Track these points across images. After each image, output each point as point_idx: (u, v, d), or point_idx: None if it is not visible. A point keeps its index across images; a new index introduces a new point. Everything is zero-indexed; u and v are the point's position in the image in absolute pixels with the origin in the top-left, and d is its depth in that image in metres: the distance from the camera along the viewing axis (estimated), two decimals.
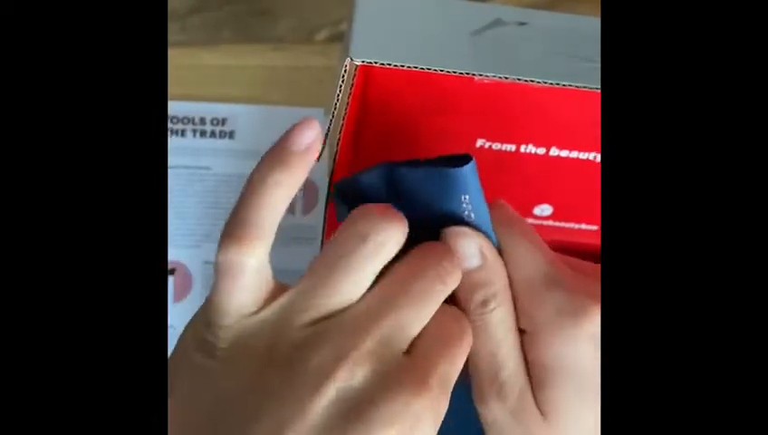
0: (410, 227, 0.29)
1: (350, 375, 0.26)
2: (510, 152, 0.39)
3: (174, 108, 0.54)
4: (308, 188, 0.55)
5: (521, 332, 0.32)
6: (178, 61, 0.54)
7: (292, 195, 0.29)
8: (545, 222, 0.45)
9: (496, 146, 0.39)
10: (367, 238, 0.28)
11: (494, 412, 0.31)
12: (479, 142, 0.39)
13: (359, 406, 0.26)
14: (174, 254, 0.54)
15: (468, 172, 0.31)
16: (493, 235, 0.32)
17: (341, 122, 0.35)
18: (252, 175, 0.29)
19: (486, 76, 0.33)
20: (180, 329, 0.53)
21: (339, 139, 0.35)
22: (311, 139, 0.29)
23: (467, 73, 0.33)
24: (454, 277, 0.30)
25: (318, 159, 0.37)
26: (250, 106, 0.55)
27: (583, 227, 0.45)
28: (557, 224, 0.45)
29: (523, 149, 0.39)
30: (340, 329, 0.27)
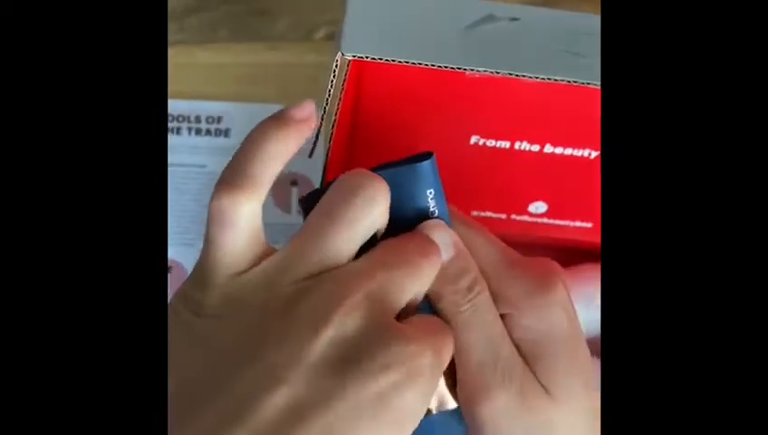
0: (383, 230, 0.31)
1: (344, 320, 0.26)
2: (504, 149, 0.39)
3: (170, 106, 0.54)
4: (303, 185, 0.55)
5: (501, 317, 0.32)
6: (174, 59, 0.54)
7: (288, 156, 0.30)
8: (540, 219, 0.45)
9: (491, 143, 0.39)
10: (357, 192, 0.28)
11: (500, 401, 0.31)
12: (473, 139, 0.39)
13: (354, 351, 0.26)
14: (170, 252, 0.54)
15: (431, 166, 0.32)
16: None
17: (334, 118, 0.35)
18: (251, 131, 0.30)
19: (478, 71, 0.33)
20: None
21: (332, 134, 0.36)
22: (309, 112, 0.30)
23: (459, 68, 0.33)
24: (435, 265, 0.30)
25: (310, 155, 0.37)
26: (245, 104, 0.55)
27: (578, 224, 0.45)
28: (552, 221, 0.45)
29: (517, 145, 0.39)
30: (334, 280, 0.27)
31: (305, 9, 0.57)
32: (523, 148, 0.39)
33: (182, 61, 0.55)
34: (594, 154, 0.39)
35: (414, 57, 0.33)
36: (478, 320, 0.31)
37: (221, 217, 0.28)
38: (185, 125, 0.55)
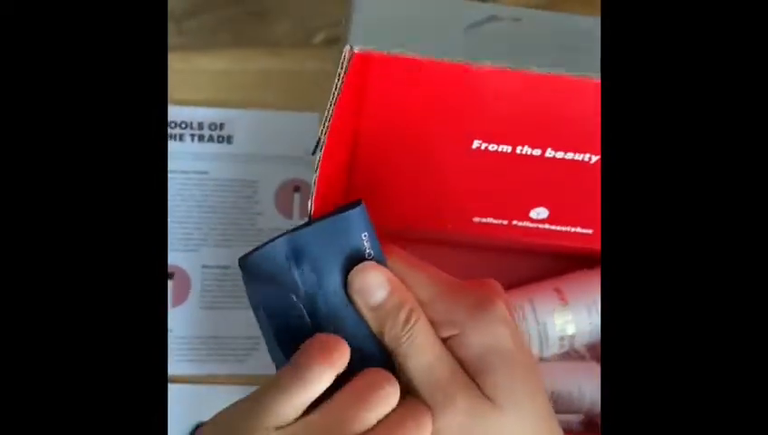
0: (319, 281, 0.34)
1: None
2: (506, 153, 0.39)
3: (172, 113, 0.54)
4: (305, 191, 0.55)
5: (445, 340, 0.35)
6: (176, 65, 0.55)
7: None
8: (541, 225, 0.45)
9: (492, 147, 0.39)
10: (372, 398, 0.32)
11: (448, 419, 0.33)
12: (475, 144, 0.39)
13: None
14: (172, 258, 0.54)
15: (361, 212, 0.35)
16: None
17: (332, 108, 0.35)
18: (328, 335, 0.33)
19: (483, 64, 0.34)
20: (178, 333, 0.54)
21: (327, 127, 0.36)
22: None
23: (464, 61, 0.34)
24: (388, 393, 0.32)
25: (313, 153, 0.38)
26: (247, 111, 0.55)
27: (578, 230, 0.45)
28: (553, 227, 0.45)
29: (518, 150, 0.39)
30: None
31: (305, 12, 0.57)
32: (524, 152, 0.39)
33: (183, 67, 0.55)
34: (594, 159, 0.39)
35: (420, 51, 0.34)
36: (417, 348, 0.34)
37: (311, 379, 0.31)
38: (187, 132, 0.55)
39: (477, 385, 0.33)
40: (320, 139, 0.36)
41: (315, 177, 0.37)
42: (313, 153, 0.38)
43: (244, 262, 0.35)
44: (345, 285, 0.35)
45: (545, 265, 0.54)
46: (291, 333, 0.35)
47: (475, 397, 0.33)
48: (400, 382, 0.33)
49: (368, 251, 0.35)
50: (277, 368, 0.38)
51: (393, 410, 0.32)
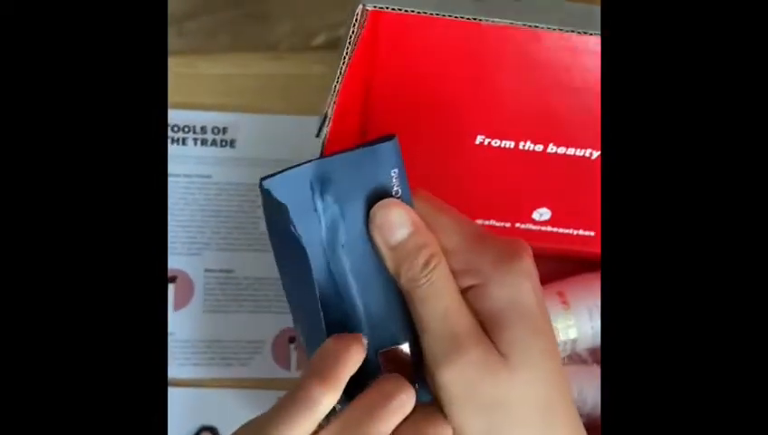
0: (342, 212, 0.33)
1: None
2: (509, 149, 0.39)
3: (175, 116, 0.55)
4: None
5: (465, 291, 0.33)
6: (178, 69, 0.55)
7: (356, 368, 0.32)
8: (544, 227, 0.45)
9: (495, 142, 0.39)
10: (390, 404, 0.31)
11: (456, 372, 0.32)
12: (478, 139, 0.39)
13: None
14: (175, 262, 0.54)
15: (393, 147, 0.33)
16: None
17: (344, 68, 0.35)
18: (337, 340, 0.32)
19: (493, 21, 0.34)
20: (180, 336, 0.54)
21: (338, 87, 0.36)
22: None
23: (475, 19, 0.34)
24: (401, 403, 0.32)
25: (318, 135, 0.38)
26: (250, 115, 0.56)
27: (581, 233, 0.45)
28: (555, 229, 0.45)
29: (521, 145, 0.39)
30: None
31: (305, 14, 0.57)
32: (527, 148, 0.39)
33: (186, 71, 0.55)
34: (596, 154, 0.39)
35: (432, 9, 0.34)
36: (435, 294, 0.33)
37: (311, 404, 0.30)
38: (190, 136, 0.55)
39: (492, 340, 0.33)
40: (326, 114, 0.36)
41: (323, 139, 0.37)
42: (318, 134, 0.38)
43: (264, 184, 0.33)
44: (367, 219, 0.34)
45: (547, 269, 0.53)
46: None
47: (487, 352, 0.32)
48: (416, 325, 0.33)
49: (395, 189, 0.34)
50: (287, 297, 0.38)
51: (410, 417, 0.32)
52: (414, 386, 0.33)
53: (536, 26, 0.34)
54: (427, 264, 0.33)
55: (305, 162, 0.33)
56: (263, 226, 0.55)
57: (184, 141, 0.55)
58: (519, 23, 0.34)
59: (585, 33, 0.34)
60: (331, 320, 0.34)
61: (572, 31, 0.34)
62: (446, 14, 0.34)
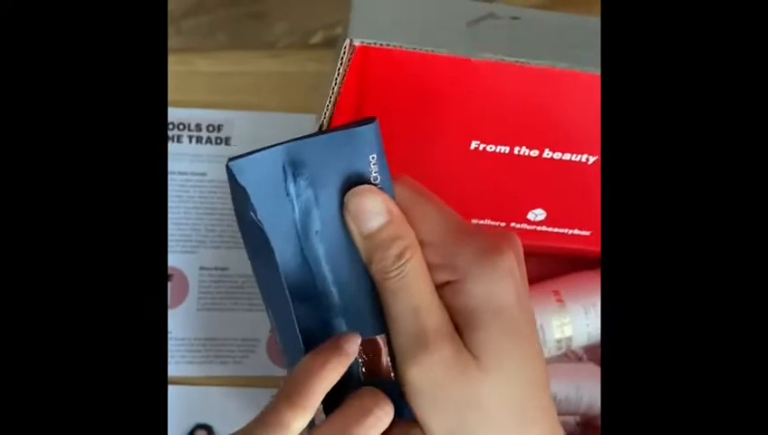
0: (316, 197, 0.31)
1: None
2: (504, 154, 0.39)
3: (170, 114, 0.54)
4: None
5: (441, 286, 0.32)
6: (174, 67, 0.54)
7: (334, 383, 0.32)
8: (539, 227, 0.45)
9: (491, 148, 0.39)
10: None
11: (425, 369, 0.31)
12: (473, 144, 0.39)
13: None
14: (170, 259, 0.54)
15: (373, 131, 0.31)
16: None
17: (333, 105, 0.35)
18: (310, 357, 0.31)
19: (483, 57, 0.34)
20: (176, 334, 0.54)
21: (329, 121, 0.36)
22: (355, 348, 0.32)
23: (465, 54, 0.33)
24: (379, 419, 0.31)
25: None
26: (246, 112, 0.55)
27: (576, 232, 0.45)
28: (550, 229, 0.45)
29: (516, 150, 0.39)
30: None
31: (303, 13, 0.57)
32: (522, 153, 0.39)
33: (182, 69, 0.55)
34: (592, 159, 0.39)
35: (420, 45, 0.33)
36: (406, 288, 0.31)
37: (280, 428, 0.30)
38: (185, 133, 0.55)
39: (464, 340, 0.31)
40: (322, 121, 0.36)
41: None
42: None
43: (229, 165, 0.31)
44: (342, 206, 0.32)
45: (543, 267, 0.54)
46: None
47: (457, 351, 0.31)
48: (386, 318, 0.32)
49: (373, 175, 0.32)
50: (261, 294, 0.36)
51: (388, 432, 0.31)
52: (391, 379, 0.32)
53: (529, 63, 0.34)
54: (400, 256, 0.31)
55: (277, 144, 0.31)
56: None
57: (179, 139, 0.55)
58: (511, 59, 0.34)
59: (584, 70, 0.34)
60: (306, 312, 0.33)
61: (570, 67, 0.34)
62: (436, 50, 0.33)
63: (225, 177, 0.54)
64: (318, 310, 0.33)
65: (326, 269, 0.33)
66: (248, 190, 0.31)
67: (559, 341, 0.52)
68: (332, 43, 0.56)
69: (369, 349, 0.34)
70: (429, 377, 0.31)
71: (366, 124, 0.31)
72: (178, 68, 0.55)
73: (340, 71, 0.34)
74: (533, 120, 0.38)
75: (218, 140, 0.55)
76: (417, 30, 0.36)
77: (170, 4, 0.55)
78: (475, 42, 0.35)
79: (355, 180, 0.32)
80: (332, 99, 0.35)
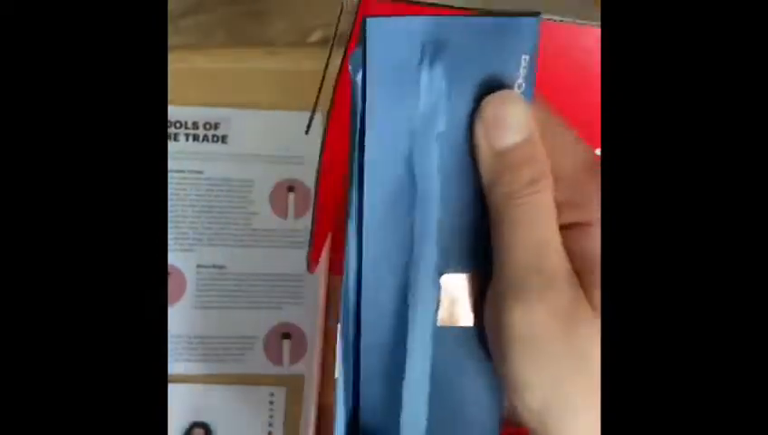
0: (448, 91, 0.26)
1: None
2: None
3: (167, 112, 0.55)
4: (300, 191, 0.55)
5: (565, 227, 0.28)
6: (171, 65, 0.54)
7: None
8: None
9: None
10: None
11: (537, 313, 0.26)
12: None
13: None
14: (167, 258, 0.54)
15: (535, 26, 0.26)
16: None
17: (332, 96, 0.34)
18: None
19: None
20: (173, 332, 0.54)
21: (329, 110, 0.35)
22: None
23: (469, 8, 0.32)
24: None
25: (307, 132, 0.37)
26: (243, 110, 0.55)
27: None
28: None
29: None
30: None
31: (301, 12, 0.57)
32: None
33: (179, 66, 0.55)
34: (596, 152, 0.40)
35: None
36: (532, 219, 0.27)
37: None
38: (182, 131, 0.55)
39: (584, 290, 0.27)
40: (313, 111, 0.35)
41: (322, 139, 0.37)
42: (307, 131, 0.37)
43: (367, 21, 0.26)
44: (475, 108, 0.27)
45: None
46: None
47: (576, 299, 0.26)
48: (496, 252, 0.27)
49: (519, 81, 0.27)
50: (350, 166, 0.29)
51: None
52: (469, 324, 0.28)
53: (544, 18, 0.33)
54: (533, 182, 0.26)
55: (416, 15, 0.26)
56: (255, 221, 0.55)
57: (176, 137, 0.55)
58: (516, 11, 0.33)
59: (585, 23, 0.34)
60: (391, 235, 0.27)
61: (573, 21, 0.33)
62: (443, 4, 0.30)
63: (222, 175, 0.54)
64: (407, 233, 0.28)
65: (434, 182, 0.27)
66: (371, 60, 0.26)
67: None
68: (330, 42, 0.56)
69: (453, 287, 0.28)
70: (540, 321, 0.26)
71: (528, 16, 0.26)
72: (176, 66, 0.55)
73: (347, 27, 0.32)
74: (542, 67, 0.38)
75: (215, 138, 0.55)
76: None
77: (169, 3, 0.55)
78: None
79: (497, 81, 0.27)
80: (325, 76, 0.34)
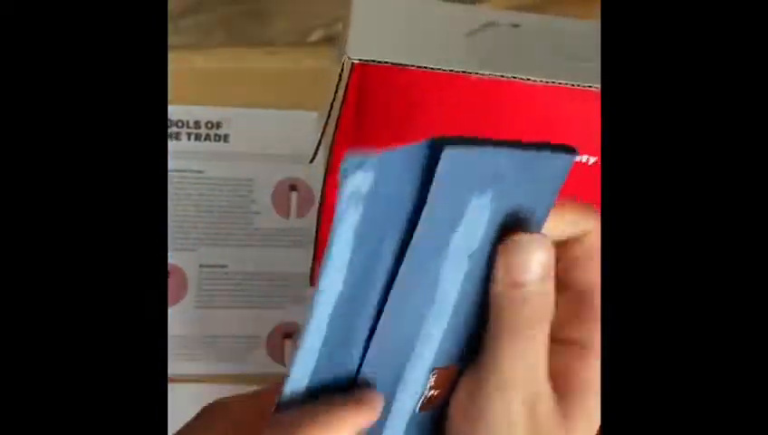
0: (491, 214, 0.28)
1: None
2: None
3: (168, 111, 0.54)
4: (302, 190, 0.55)
5: (559, 341, 0.30)
6: (172, 65, 0.54)
7: None
8: None
9: None
10: None
11: (513, 406, 0.29)
12: None
13: None
14: (169, 257, 0.54)
15: (571, 162, 0.28)
16: None
17: (336, 122, 0.35)
18: (338, 405, 0.29)
19: (483, 74, 0.33)
20: (175, 332, 0.54)
21: (333, 139, 0.36)
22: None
23: (465, 72, 0.33)
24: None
25: (312, 160, 0.37)
26: (245, 109, 0.55)
27: None
28: None
29: None
30: None
31: (301, 11, 0.57)
32: None
33: (180, 66, 0.55)
34: (592, 160, 0.39)
35: (420, 61, 0.33)
36: (532, 349, 0.29)
37: None
38: (183, 130, 0.55)
39: (561, 402, 0.29)
40: (318, 144, 0.36)
41: (323, 187, 0.37)
42: (311, 160, 0.38)
43: (446, 150, 0.25)
44: (502, 233, 0.28)
45: None
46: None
47: (553, 410, 0.29)
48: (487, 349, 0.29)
49: (541, 210, 0.28)
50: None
51: None
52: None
53: (528, 80, 0.34)
54: (540, 319, 0.29)
55: (482, 143, 0.27)
56: (257, 221, 0.55)
57: (177, 136, 0.55)
58: (509, 76, 0.34)
59: (584, 86, 0.34)
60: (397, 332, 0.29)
61: (574, 85, 0.34)
62: (434, 67, 0.33)
63: (224, 174, 0.54)
64: (417, 336, 0.29)
65: (455, 295, 0.29)
66: (437, 187, 0.26)
67: None
68: (331, 41, 0.56)
69: (441, 378, 0.31)
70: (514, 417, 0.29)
71: (567, 152, 0.28)
72: (177, 65, 0.55)
73: (339, 87, 0.33)
74: (534, 126, 0.38)
75: (217, 138, 0.55)
76: (417, 42, 0.36)
77: (169, 2, 0.55)
78: (474, 54, 0.35)
79: (526, 211, 0.28)
80: (330, 115, 0.34)
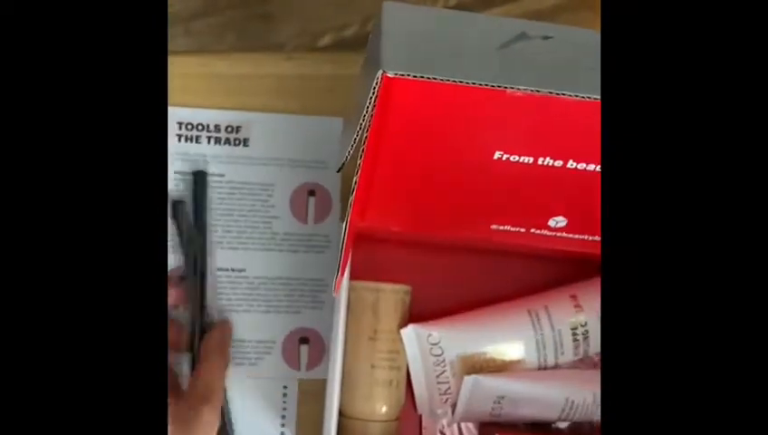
0: None
1: None
2: (527, 164, 0.39)
3: (188, 115, 0.55)
4: (320, 195, 0.55)
5: None
6: (192, 69, 0.55)
7: None
8: (559, 233, 0.45)
9: (514, 158, 0.39)
10: None
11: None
12: (497, 154, 0.39)
13: None
14: None
15: None
16: None
17: (366, 135, 0.35)
18: None
19: (518, 89, 0.33)
20: None
21: (362, 152, 0.36)
22: None
23: (499, 86, 0.33)
24: None
25: (339, 170, 0.38)
26: (264, 114, 0.55)
27: (595, 238, 0.45)
28: (570, 235, 0.45)
29: (540, 161, 0.39)
30: None
31: (307, 15, 0.57)
32: (546, 163, 0.39)
33: (201, 71, 0.56)
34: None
35: (454, 75, 0.33)
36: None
37: None
38: (204, 134, 0.55)
39: None
40: (346, 157, 0.36)
41: (352, 196, 0.37)
42: (339, 170, 0.38)
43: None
44: None
45: (561, 272, 0.53)
46: None
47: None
48: None
49: None
50: None
51: None
52: None
53: (560, 95, 0.34)
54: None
55: None
56: (275, 225, 0.55)
57: (198, 140, 0.55)
58: (542, 91, 0.34)
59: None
60: None
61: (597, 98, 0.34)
62: (466, 81, 0.33)
63: (243, 178, 0.55)
64: None
65: None
66: None
67: (576, 346, 0.51)
68: (341, 46, 0.56)
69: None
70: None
71: None
72: (197, 70, 0.55)
73: (372, 100, 0.33)
74: (559, 135, 0.38)
75: (237, 142, 0.55)
76: (447, 56, 0.35)
77: (178, 4, 0.55)
78: (505, 68, 0.35)
79: None
80: (364, 127, 0.34)
